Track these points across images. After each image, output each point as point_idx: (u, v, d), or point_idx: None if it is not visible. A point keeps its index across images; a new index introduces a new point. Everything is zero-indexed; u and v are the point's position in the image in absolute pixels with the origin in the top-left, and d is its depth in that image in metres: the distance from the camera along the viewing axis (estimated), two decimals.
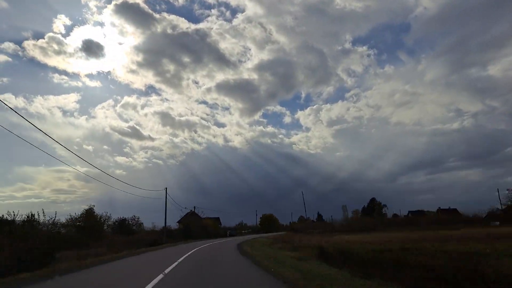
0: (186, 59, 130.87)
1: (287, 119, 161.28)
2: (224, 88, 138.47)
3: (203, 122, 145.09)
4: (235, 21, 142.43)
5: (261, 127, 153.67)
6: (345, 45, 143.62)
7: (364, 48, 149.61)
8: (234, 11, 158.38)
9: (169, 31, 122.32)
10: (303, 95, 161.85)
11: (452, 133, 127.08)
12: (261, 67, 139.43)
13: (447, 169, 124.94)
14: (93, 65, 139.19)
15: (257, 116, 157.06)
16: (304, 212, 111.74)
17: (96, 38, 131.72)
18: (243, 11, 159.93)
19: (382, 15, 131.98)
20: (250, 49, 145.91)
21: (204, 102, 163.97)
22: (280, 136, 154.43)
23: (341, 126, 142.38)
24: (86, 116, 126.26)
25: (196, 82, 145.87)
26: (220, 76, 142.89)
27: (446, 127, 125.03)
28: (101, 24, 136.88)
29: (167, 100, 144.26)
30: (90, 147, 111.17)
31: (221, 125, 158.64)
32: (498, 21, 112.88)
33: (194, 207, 60.81)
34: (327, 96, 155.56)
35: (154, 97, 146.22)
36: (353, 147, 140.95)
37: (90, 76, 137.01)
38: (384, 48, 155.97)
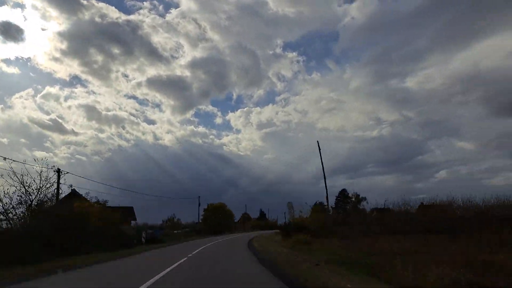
0: (115, 50, 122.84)
1: (218, 120, 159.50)
2: (156, 83, 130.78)
3: (132, 118, 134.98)
4: (169, 16, 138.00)
5: (192, 127, 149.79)
6: (276, 49, 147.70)
7: (294, 54, 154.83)
8: (168, 5, 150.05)
9: (98, 19, 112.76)
10: (235, 96, 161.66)
11: (372, 140, 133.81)
12: (194, 65, 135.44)
13: (366, 174, 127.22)
14: (11, 49, 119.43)
15: (189, 115, 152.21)
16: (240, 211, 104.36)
17: (15, 21, 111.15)
18: (177, 6, 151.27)
19: (313, 22, 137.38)
20: (183, 45, 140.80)
21: (134, 97, 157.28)
22: (211, 136, 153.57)
23: (270, 129, 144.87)
24: (2, 105, 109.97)
25: (126, 76, 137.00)
26: (152, 71, 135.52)
27: (367, 134, 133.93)
28: (22, 6, 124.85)
29: (93, 92, 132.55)
30: (5, 140, 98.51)
31: (151, 122, 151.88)
32: (418, 35, 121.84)
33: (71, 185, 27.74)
34: (257, 99, 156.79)
35: (79, 89, 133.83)
36: (281, 150, 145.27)
37: (7, 61, 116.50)
38: (313, 55, 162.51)
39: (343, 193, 73.83)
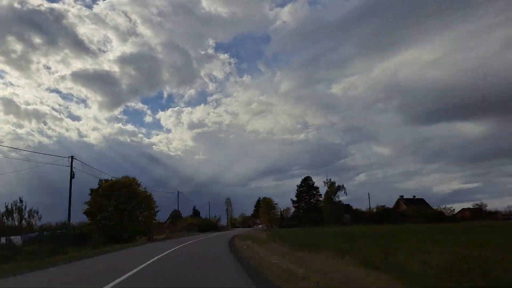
0: (37, 40, 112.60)
1: (148, 118, 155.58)
2: (81, 77, 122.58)
3: (55, 113, 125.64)
4: (97, 7, 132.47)
5: (120, 125, 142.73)
6: (208, 50, 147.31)
7: (226, 55, 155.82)
8: None
9: (17, 5, 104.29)
10: (166, 95, 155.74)
11: (298, 144, 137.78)
12: (123, 60, 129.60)
13: (292, 176, 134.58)
14: None
15: (117, 112, 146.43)
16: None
17: None
18: None
19: (246, 23, 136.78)
20: (112, 39, 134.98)
21: (57, 91, 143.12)
22: (140, 135, 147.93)
23: (202, 130, 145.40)
24: None
25: (48, 68, 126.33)
26: (77, 64, 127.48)
27: (294, 138, 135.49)
28: None
29: (11, 84, 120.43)
30: None
31: (76, 118, 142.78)
32: (344, 44, 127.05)
33: None
34: (189, 98, 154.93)
35: None
36: (212, 151, 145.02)
37: None
38: (245, 57, 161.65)
39: (307, 181, 72.22)
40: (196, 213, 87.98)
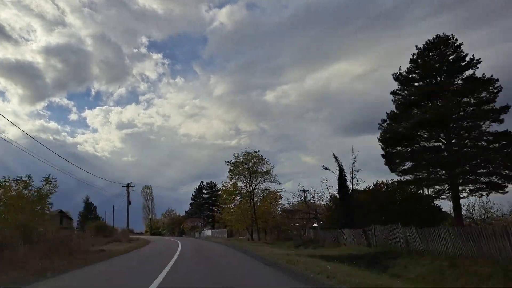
0: None
1: (74, 116, 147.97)
2: (1, 67, 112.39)
3: None
4: None
5: (43, 121, 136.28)
6: (141, 48, 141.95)
7: (160, 55, 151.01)
8: None
9: None
10: (94, 92, 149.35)
11: (230, 149, 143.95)
12: (49, 51, 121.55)
13: (224, 181, 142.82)
14: None
15: (39, 106, 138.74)
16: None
17: None
18: None
19: (182, 22, 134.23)
20: (37, 27, 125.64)
21: None
22: (64, 133, 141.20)
23: (132, 131, 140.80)
24: None
25: None
26: None
27: (226, 143, 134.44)
28: None
29: None
30: None
31: None
32: (281, 51, 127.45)
33: None
34: (118, 97, 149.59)
35: None
36: (142, 153, 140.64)
37: None
38: (180, 58, 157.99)
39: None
40: (89, 209, 76.65)
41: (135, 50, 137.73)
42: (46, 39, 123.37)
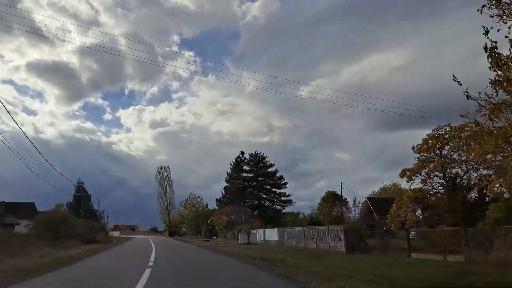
0: None
1: (108, 116, 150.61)
2: (38, 68, 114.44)
3: (9, 106, 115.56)
4: None
5: (78, 121, 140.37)
6: (173, 46, 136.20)
7: (191, 53, 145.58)
8: None
9: None
10: (127, 91, 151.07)
11: (262, 147, 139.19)
12: (84, 51, 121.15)
13: None
14: None
15: (76, 107, 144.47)
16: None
17: None
18: None
19: (214, 18, 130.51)
20: (72, 27, 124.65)
21: (11, 83, 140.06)
22: (99, 133, 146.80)
23: (164, 130, 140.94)
24: None
25: (2, 56, 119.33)
26: (33, 54, 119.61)
27: (258, 140, 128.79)
28: None
29: None
30: None
31: (31, 112, 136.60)
32: (315, 44, 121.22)
33: None
34: (151, 96, 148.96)
35: None
36: (175, 152, 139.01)
37: None
38: (211, 55, 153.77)
39: None
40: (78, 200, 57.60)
41: (167, 49, 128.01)
42: (82, 39, 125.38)
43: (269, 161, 58.84)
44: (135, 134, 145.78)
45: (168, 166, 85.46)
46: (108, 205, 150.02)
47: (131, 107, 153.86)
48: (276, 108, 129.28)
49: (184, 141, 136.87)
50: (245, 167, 59.81)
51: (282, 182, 57.71)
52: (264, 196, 57.70)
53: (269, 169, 58.50)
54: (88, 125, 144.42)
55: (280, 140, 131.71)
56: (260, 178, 57.21)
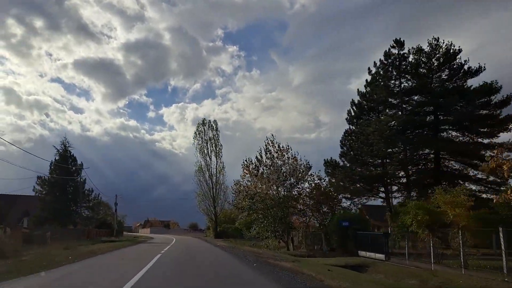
0: (38, 23, 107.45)
1: (151, 114, 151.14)
2: (84, 66, 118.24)
3: (57, 105, 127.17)
4: None
5: (123, 119, 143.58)
6: (217, 41, 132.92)
7: (235, 47, 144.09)
8: None
9: None
10: (171, 88, 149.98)
11: (308, 144, 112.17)
12: (129, 47, 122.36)
13: None
14: None
15: (121, 104, 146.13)
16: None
17: None
18: None
19: (259, 9, 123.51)
20: (117, 24, 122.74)
21: (59, 81, 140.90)
22: (143, 131, 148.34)
23: None
24: None
25: (50, 54, 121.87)
26: (80, 51, 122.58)
27: (304, 137, 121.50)
28: None
29: (12, 72, 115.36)
30: None
31: (78, 110, 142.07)
32: (367, 32, 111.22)
33: None
34: (194, 93, 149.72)
35: None
36: None
37: None
38: (256, 47, 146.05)
39: None
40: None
41: (211, 44, 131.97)
42: (127, 36, 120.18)
43: None
44: (178, 131, 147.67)
45: (215, 120, 52.53)
46: (150, 202, 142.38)
47: (173, 105, 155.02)
48: (324, 102, 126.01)
49: (227, 138, 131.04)
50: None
51: None
52: None
53: None
54: (132, 122, 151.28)
55: (328, 137, 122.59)
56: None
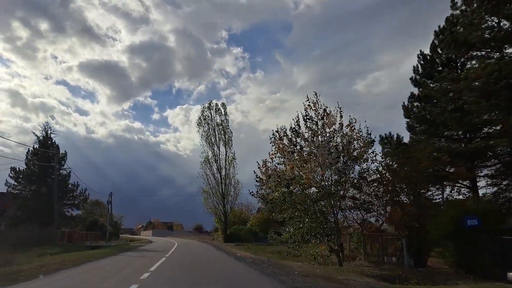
0: (43, 26, 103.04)
1: (156, 116, 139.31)
2: (89, 68, 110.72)
3: (62, 107, 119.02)
4: None
5: (127, 121, 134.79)
6: (221, 43, 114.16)
7: (240, 49, 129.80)
8: None
9: None
10: (175, 90, 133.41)
11: None
12: (133, 49, 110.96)
13: None
14: None
15: (126, 106, 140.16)
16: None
17: None
18: None
19: (264, 11, 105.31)
20: (122, 26, 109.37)
21: (64, 83, 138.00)
22: (147, 133, 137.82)
23: None
24: None
25: (55, 57, 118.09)
26: (85, 54, 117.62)
27: None
28: None
29: (18, 75, 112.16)
30: None
31: (83, 112, 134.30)
32: (372, 33, 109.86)
33: None
34: (198, 95, 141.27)
35: (1, 70, 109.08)
36: None
37: None
38: (260, 49, 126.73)
39: None
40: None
41: (215, 46, 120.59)
42: (131, 38, 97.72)
43: None
44: (182, 133, 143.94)
45: (223, 103, 45.07)
46: (154, 203, 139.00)
47: (178, 107, 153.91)
48: (329, 103, 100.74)
49: (232, 139, 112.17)
50: None
51: None
52: None
53: None
54: (137, 124, 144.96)
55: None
56: None
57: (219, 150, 42.12)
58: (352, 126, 15.09)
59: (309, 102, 15.52)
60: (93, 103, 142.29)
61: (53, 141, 35.11)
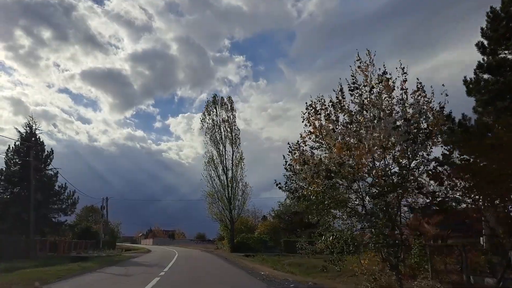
0: (46, 34, 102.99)
1: (158, 124, 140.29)
2: (92, 76, 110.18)
3: (65, 115, 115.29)
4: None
5: (130, 129, 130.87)
6: (224, 52, 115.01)
7: (242, 57, 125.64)
8: None
9: None
10: (178, 98, 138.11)
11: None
12: (136, 57, 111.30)
13: None
14: None
15: (128, 114, 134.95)
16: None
17: None
18: None
19: (267, 20, 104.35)
20: (125, 34, 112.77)
21: (67, 91, 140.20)
22: (149, 141, 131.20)
23: None
24: None
25: (58, 65, 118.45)
26: (88, 62, 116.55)
27: None
28: None
29: (20, 83, 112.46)
30: None
31: (86, 121, 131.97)
32: (376, 42, 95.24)
33: None
34: (200, 103, 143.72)
35: (3, 78, 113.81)
36: None
37: None
38: (263, 58, 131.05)
39: None
40: None
41: (218, 54, 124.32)
42: (134, 46, 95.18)
43: None
44: (185, 141, 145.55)
45: (229, 96, 41.00)
46: (158, 211, 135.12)
47: (180, 115, 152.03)
48: None
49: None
50: None
51: None
52: None
53: None
54: (139, 133, 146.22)
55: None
56: None
57: (225, 149, 37.91)
58: (424, 93, 10.76)
59: (360, 63, 11.23)
60: (96, 111, 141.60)
61: (38, 137, 30.97)
